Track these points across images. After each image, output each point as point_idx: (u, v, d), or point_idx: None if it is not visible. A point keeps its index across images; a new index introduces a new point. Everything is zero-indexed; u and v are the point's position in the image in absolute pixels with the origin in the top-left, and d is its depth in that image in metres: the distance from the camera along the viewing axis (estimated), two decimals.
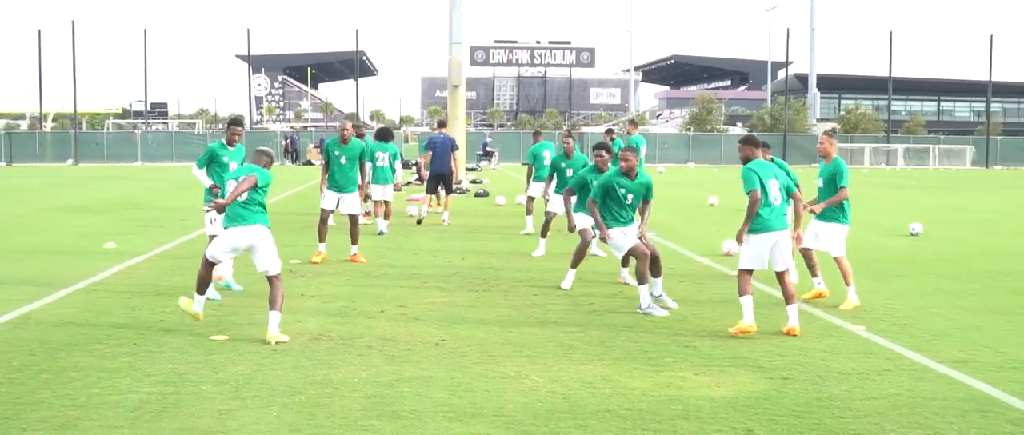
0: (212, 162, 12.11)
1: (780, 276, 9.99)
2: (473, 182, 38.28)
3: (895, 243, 18.56)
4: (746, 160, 9.97)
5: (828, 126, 54.43)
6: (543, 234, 16.24)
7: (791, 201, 10.41)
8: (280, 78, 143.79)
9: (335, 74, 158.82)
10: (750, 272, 9.85)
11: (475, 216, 23.72)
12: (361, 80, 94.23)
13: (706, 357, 8.74)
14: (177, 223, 21.01)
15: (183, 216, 22.61)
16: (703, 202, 28.63)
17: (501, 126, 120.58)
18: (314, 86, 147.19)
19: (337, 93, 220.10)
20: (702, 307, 11.31)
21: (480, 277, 13.31)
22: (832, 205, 11.63)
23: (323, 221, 15.09)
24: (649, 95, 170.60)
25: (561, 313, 10.86)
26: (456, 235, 19.15)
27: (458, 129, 37.99)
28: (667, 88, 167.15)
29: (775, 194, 9.83)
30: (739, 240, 9.89)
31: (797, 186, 10.43)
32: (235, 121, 12.47)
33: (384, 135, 19.71)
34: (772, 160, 10.93)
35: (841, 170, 11.61)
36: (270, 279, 9.47)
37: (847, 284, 11.53)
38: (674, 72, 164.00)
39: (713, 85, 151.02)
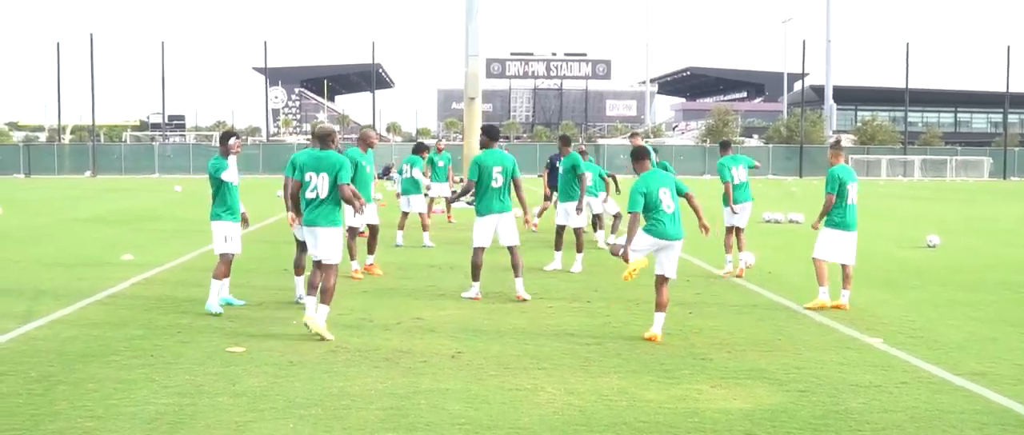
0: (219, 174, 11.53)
1: (660, 281, 10.06)
2: None
3: (911, 254, 18.47)
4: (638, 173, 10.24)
5: (833, 138, 54.46)
6: (557, 247, 16.15)
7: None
8: (297, 90, 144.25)
9: (352, 86, 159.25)
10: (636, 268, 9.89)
11: None
12: (377, 92, 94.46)
13: (722, 370, 8.71)
14: (195, 234, 21.06)
15: (201, 227, 22.64)
16: (718, 214, 28.50)
17: (518, 138, 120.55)
18: (331, 98, 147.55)
19: (354, 105, 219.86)
20: (716, 319, 11.27)
21: (496, 289, 13.29)
22: (826, 214, 12.10)
23: (352, 237, 14.87)
24: (665, 107, 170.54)
25: (578, 325, 10.84)
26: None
27: (475, 140, 37.99)
28: (683, 100, 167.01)
29: (668, 202, 9.99)
30: (625, 258, 9.89)
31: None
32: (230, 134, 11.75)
33: (418, 149, 20.64)
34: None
35: (828, 177, 12.12)
36: (324, 268, 10.00)
37: (844, 287, 12.03)
38: (690, 84, 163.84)
39: (729, 97, 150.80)
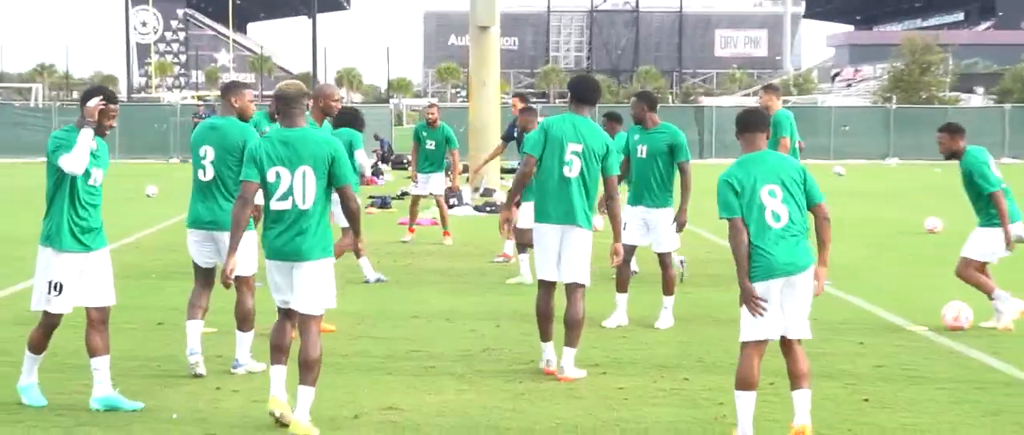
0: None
1: (786, 346, 9.85)
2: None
3: None
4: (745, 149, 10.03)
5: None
6: (620, 287, 15.56)
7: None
8: (181, 13, 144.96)
9: (275, 9, 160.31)
10: (758, 346, 9.73)
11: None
12: (322, 18, 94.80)
13: None
14: (8, 263, 21.09)
15: (17, 250, 22.60)
16: (915, 227, 28.38)
17: (561, 97, 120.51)
18: (240, 28, 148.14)
19: (280, 40, 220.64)
20: (913, 411, 11.20)
21: (525, 356, 13.27)
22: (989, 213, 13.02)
23: None
24: (818, 40, 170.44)
25: (669, 419, 10.81)
26: (487, 285, 19.08)
27: (487, 99, 37.85)
28: (850, 28, 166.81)
29: (775, 207, 9.60)
30: (743, 300, 9.68)
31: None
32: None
33: (350, 120, 20.53)
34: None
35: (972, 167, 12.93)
36: (302, 321, 10.11)
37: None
38: (861, 1, 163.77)
39: (931, 22, 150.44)
